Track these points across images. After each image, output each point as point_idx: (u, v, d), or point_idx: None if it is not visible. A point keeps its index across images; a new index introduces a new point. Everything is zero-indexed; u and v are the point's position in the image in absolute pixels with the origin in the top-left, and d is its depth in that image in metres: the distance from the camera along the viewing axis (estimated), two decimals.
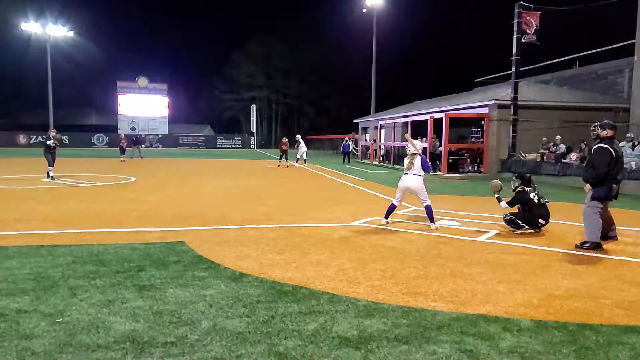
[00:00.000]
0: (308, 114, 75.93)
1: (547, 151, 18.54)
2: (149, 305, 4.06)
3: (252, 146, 57.21)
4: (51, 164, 15.27)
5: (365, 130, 38.59)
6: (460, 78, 48.18)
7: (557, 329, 3.71)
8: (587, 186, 6.67)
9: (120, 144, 27.77)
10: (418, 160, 7.94)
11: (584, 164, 7.14)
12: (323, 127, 72.84)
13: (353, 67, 67.50)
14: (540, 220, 7.56)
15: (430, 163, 8.71)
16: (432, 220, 7.87)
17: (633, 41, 19.25)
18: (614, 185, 6.54)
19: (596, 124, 6.83)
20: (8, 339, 3.35)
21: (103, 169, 20.59)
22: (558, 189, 14.72)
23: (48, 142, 15.51)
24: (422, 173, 7.97)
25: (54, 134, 16.03)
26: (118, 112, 59.69)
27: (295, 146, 25.61)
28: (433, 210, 8.01)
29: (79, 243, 6.32)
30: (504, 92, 22.08)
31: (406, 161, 8.13)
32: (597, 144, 6.69)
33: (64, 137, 21.01)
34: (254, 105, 60.67)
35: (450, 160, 21.32)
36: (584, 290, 4.72)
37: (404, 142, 23.24)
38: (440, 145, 21.23)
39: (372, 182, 16.79)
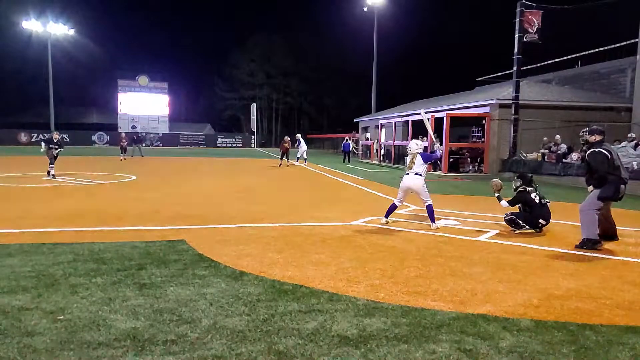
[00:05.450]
0: (308, 113, 75.93)
1: (548, 151, 18.53)
2: (149, 303, 4.07)
3: (252, 145, 57.24)
4: (52, 162, 15.30)
5: (365, 129, 38.59)
6: (461, 77, 48.10)
7: (557, 329, 3.71)
8: (590, 187, 6.68)
9: (121, 142, 27.82)
10: (419, 159, 7.94)
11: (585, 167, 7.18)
12: (323, 126, 72.87)
13: (353, 66, 67.47)
14: (541, 221, 7.55)
15: (440, 148, 8.56)
16: (432, 219, 7.87)
17: (635, 40, 19.24)
18: (622, 186, 6.55)
19: (585, 130, 6.88)
20: (9, 336, 3.37)
21: (104, 168, 20.61)
22: (559, 189, 14.71)
23: (42, 146, 15.67)
24: (424, 172, 7.98)
25: (57, 136, 16.07)
26: (119, 111, 59.65)
27: (296, 145, 25.61)
28: (434, 209, 8.02)
29: (80, 241, 6.33)
30: (505, 92, 22.06)
31: (407, 160, 8.13)
32: (589, 149, 6.75)
33: (64, 136, 21.11)
34: (254, 104, 60.67)
35: (451, 160, 21.32)
36: (584, 291, 4.72)
37: (404, 142, 23.25)
38: (441, 144, 21.23)
39: (373, 181, 16.80)
